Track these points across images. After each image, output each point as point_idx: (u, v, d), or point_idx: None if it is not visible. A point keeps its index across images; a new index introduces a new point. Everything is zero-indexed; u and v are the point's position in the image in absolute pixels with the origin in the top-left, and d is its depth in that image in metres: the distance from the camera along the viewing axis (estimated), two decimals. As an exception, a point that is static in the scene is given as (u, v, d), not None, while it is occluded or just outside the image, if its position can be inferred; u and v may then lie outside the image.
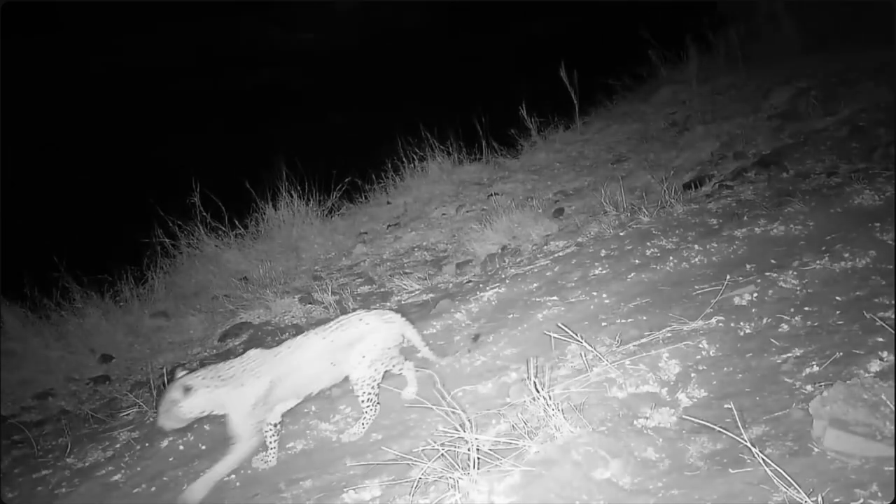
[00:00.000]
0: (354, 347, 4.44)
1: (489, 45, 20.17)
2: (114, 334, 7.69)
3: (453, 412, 3.71)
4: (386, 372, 4.60)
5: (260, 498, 4.09)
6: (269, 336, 6.97)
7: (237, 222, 9.31)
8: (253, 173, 9.43)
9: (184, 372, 4.28)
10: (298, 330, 6.89)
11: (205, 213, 8.99)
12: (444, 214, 9.44)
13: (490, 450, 3.44)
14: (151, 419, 5.53)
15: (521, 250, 7.28)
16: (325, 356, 4.39)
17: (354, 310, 4.75)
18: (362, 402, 4.49)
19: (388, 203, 10.47)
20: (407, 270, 7.88)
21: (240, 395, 4.20)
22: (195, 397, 4.13)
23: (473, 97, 11.32)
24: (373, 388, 4.48)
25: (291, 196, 9.62)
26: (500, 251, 7.48)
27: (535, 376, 3.75)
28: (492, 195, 9.47)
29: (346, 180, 9.97)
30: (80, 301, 8.03)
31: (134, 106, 16.65)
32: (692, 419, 3.52)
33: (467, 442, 3.45)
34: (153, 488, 4.51)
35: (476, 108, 10.56)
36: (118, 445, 5.23)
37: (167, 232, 8.98)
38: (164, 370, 6.33)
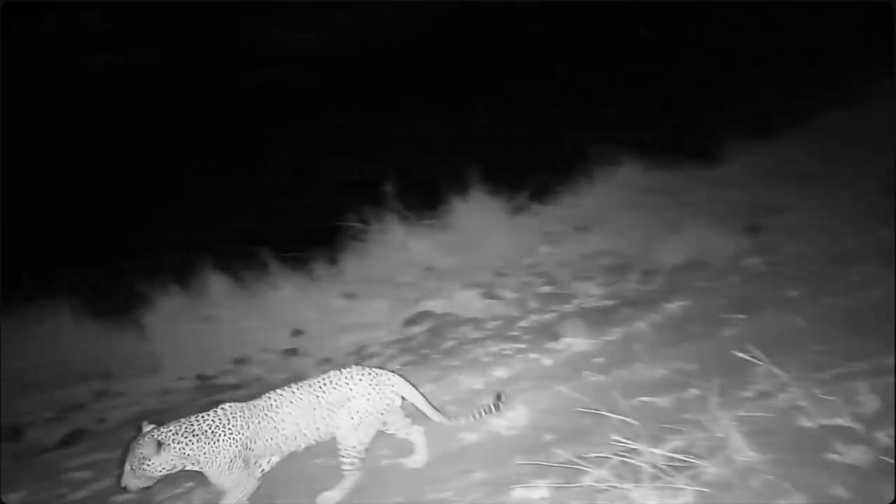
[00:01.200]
0: (343, 408, 4.07)
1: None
2: (305, 311, 8.09)
3: (629, 422, 3.67)
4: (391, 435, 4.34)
5: (429, 485, 4.18)
6: (449, 327, 7.11)
7: (428, 212, 9.54)
8: (446, 165, 9.63)
9: (151, 426, 4.00)
10: (478, 324, 7.01)
11: (398, 202, 9.28)
12: (631, 221, 9.27)
13: (664, 465, 3.38)
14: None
15: (710, 263, 7.05)
16: (310, 415, 4.04)
17: (346, 367, 4.23)
18: (344, 466, 4.14)
19: (578, 205, 10.40)
20: (590, 274, 7.82)
21: (213, 451, 3.90)
22: (166, 453, 3.85)
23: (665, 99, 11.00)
24: (358, 452, 4.12)
25: (482, 191, 9.74)
26: (687, 262, 7.28)
27: (718, 395, 3.65)
28: (684, 204, 9.21)
29: (537, 179, 9.99)
30: (278, 276, 8.49)
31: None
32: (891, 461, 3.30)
33: (641, 454, 3.40)
34: (332, 458, 4.70)
35: (667, 112, 10.27)
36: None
37: (361, 217, 9.34)
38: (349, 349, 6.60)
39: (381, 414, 4.16)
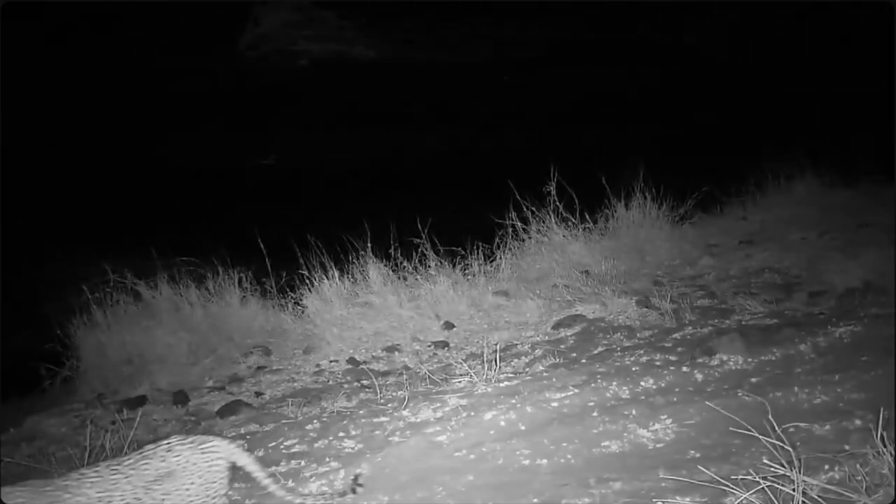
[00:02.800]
0: (161, 485, 3.58)
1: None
2: (458, 304, 8.19)
3: (782, 447, 3.50)
4: None
5: (568, 489, 4.15)
6: (600, 332, 7.02)
7: (587, 216, 9.45)
8: (610, 169, 9.51)
9: None
10: (630, 332, 6.88)
11: (558, 203, 9.24)
12: (803, 238, 8.85)
13: (817, 496, 3.20)
14: (479, 390, 5.84)
15: (888, 289, 6.61)
16: (120, 499, 3.50)
17: (162, 439, 3.78)
18: None
19: (744, 219, 10.03)
20: (753, 291, 7.51)
21: None
22: None
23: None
24: None
25: (645, 197, 9.57)
26: (862, 287, 6.86)
27: (884, 428, 3.41)
28: (862, 225, 8.69)
29: (703, 189, 9.70)
30: (434, 269, 8.63)
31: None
32: None
33: (793, 482, 3.24)
34: (472, 455, 4.74)
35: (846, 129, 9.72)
36: (447, 409, 5.57)
37: (520, 216, 9.35)
38: (497, 346, 6.62)
39: (214, 484, 3.77)
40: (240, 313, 8.31)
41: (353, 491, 4.21)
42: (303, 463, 4.97)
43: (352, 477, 4.38)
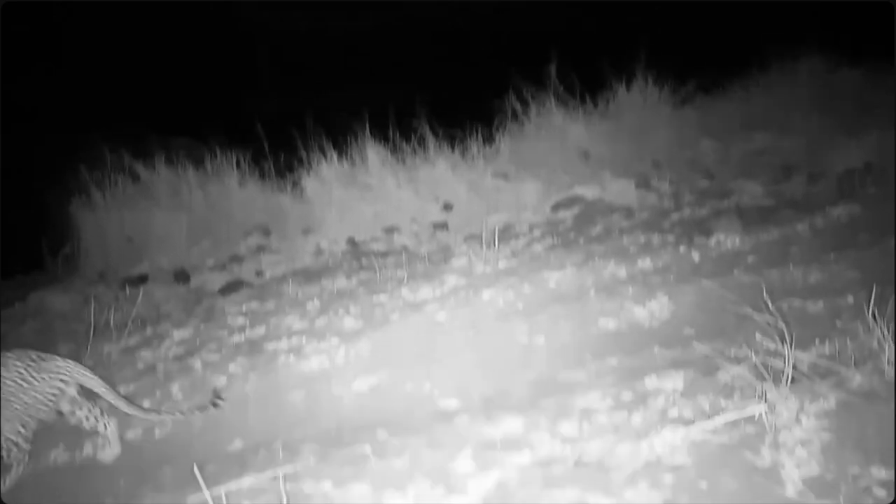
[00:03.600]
0: None
1: None
2: (457, 186, 8.17)
3: (775, 324, 3.57)
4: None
5: (565, 366, 4.22)
6: (599, 214, 7.05)
7: (588, 98, 9.32)
8: (612, 52, 9.31)
9: None
10: (628, 213, 6.91)
11: (558, 85, 9.09)
12: (805, 120, 8.75)
13: (807, 370, 3.29)
14: (478, 270, 5.91)
15: (888, 170, 6.58)
16: None
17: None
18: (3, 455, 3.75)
19: (746, 101, 9.89)
20: (753, 172, 7.49)
21: None
22: None
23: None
24: (14, 443, 3.73)
25: (646, 80, 9.40)
26: (862, 168, 6.85)
27: (875, 304, 3.47)
28: (866, 106, 8.58)
29: (705, 71, 9.52)
30: (433, 151, 8.57)
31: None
32: None
33: (784, 356, 3.31)
34: (471, 333, 4.83)
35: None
36: (446, 288, 5.65)
37: (520, 98, 9.22)
38: (496, 227, 6.65)
39: (45, 404, 3.81)
40: (238, 194, 8.30)
41: (214, 405, 4.21)
42: (304, 340, 5.07)
43: (212, 390, 4.38)
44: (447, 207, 7.91)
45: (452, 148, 8.68)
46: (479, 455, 3.23)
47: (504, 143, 9.04)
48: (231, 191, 8.32)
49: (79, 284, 7.23)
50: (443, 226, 7.56)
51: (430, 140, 8.61)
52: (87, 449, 4.08)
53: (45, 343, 5.69)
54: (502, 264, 6.00)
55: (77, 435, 4.12)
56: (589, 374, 4.10)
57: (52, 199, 7.89)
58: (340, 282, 6.26)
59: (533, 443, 3.29)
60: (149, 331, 5.73)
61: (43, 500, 3.71)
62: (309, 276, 6.64)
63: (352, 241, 7.44)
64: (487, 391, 4.03)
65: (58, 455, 4.06)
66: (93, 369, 4.04)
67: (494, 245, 6.26)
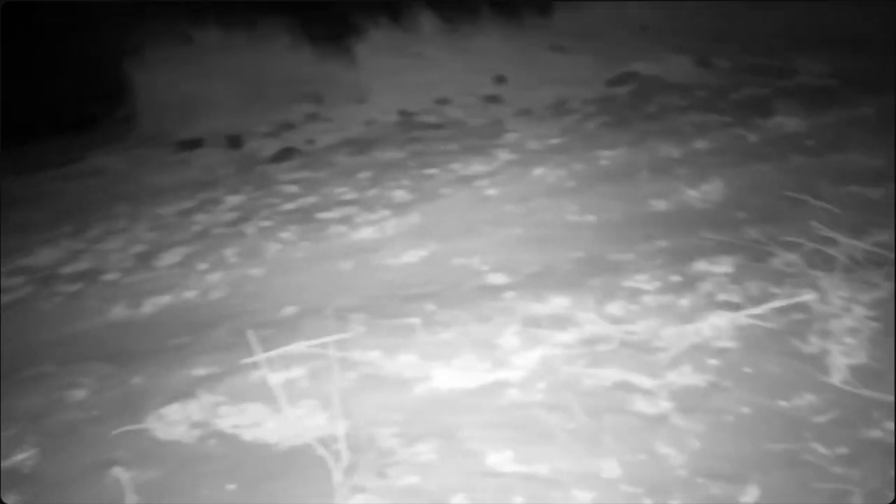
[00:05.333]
0: None
1: None
2: (511, 59, 8.01)
3: (831, 210, 3.51)
4: None
5: (613, 245, 4.22)
6: (654, 91, 6.88)
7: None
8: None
9: None
10: (685, 91, 6.74)
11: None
12: None
13: (862, 257, 3.25)
14: (530, 146, 5.86)
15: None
16: None
17: None
18: None
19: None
20: (817, 52, 7.20)
21: None
22: None
23: None
24: None
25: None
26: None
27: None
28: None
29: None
30: (488, 21, 8.36)
31: None
32: None
33: (838, 244, 3.28)
34: (520, 209, 4.83)
35: None
36: (497, 163, 5.63)
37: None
38: (549, 102, 6.54)
39: None
40: (290, 59, 8.22)
41: None
42: (355, 210, 5.12)
43: None
44: (500, 80, 7.77)
45: (506, 18, 8.45)
46: (524, 331, 3.28)
47: (559, 14, 8.77)
48: (283, 56, 8.24)
49: (134, 146, 7.31)
50: (495, 99, 7.45)
51: (484, 9, 8.39)
52: (147, 307, 4.23)
53: (102, 203, 5.84)
54: (554, 140, 5.92)
55: (136, 294, 4.29)
56: (637, 255, 4.08)
57: (108, 59, 7.88)
58: (391, 153, 6.26)
59: (579, 321, 3.33)
60: (203, 195, 5.82)
61: (102, 352, 3.87)
62: (360, 146, 6.64)
63: (403, 112, 7.38)
64: (535, 268, 4.05)
65: (118, 311, 4.23)
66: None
67: (547, 120, 6.18)
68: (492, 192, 5.11)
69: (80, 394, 3.30)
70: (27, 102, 7.27)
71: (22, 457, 2.87)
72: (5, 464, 2.85)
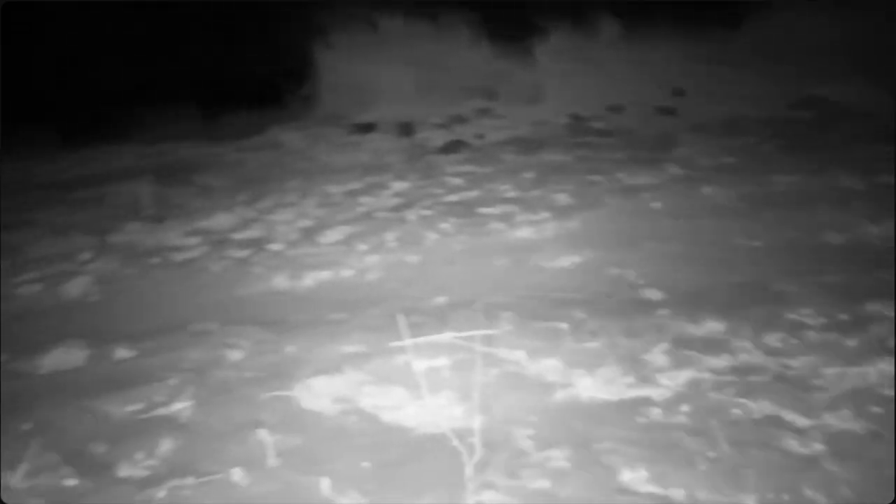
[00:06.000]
0: None
1: None
2: (691, 72, 7.81)
3: None
4: None
5: (776, 274, 4.03)
6: (840, 118, 6.53)
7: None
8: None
9: None
10: (876, 122, 6.35)
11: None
12: None
13: None
14: (701, 162, 5.69)
15: None
16: None
17: None
18: None
19: None
20: None
21: None
22: None
23: None
24: None
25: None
26: None
27: None
28: None
29: None
30: (669, 31, 8.17)
31: None
32: None
33: None
34: (683, 226, 4.68)
35: None
36: (665, 177, 5.50)
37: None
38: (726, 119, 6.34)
39: None
40: (468, 54, 8.33)
41: None
42: (516, 209, 5.13)
43: None
44: (677, 92, 7.59)
45: (689, 30, 8.24)
46: (674, 351, 3.20)
47: (747, 31, 8.46)
48: (461, 50, 8.36)
49: (312, 125, 7.62)
50: (669, 111, 7.29)
51: (667, 19, 8.20)
52: (307, 280, 4.41)
53: (277, 176, 6.12)
54: (726, 159, 5.74)
55: (299, 266, 4.48)
56: (804, 287, 3.88)
57: (295, 39, 8.24)
58: (558, 156, 6.24)
59: (733, 348, 3.21)
60: (370, 178, 5.99)
61: (261, 318, 4.05)
62: (527, 145, 6.66)
63: (574, 116, 7.34)
64: (692, 288, 3.93)
65: (280, 281, 4.43)
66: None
67: (721, 138, 5.99)
68: (656, 205, 5.01)
69: (237, 354, 3.48)
70: (222, 77, 7.76)
71: (180, 406, 3.07)
72: (165, 411, 3.05)
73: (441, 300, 4.00)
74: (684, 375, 3.02)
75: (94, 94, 7.48)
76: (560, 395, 2.95)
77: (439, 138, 7.06)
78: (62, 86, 7.64)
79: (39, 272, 4.72)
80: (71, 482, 2.62)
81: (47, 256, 4.96)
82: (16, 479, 2.63)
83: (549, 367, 3.17)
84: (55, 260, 4.88)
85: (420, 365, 3.02)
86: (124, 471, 2.70)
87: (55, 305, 4.33)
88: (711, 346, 3.24)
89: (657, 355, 3.18)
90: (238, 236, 5.09)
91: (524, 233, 4.77)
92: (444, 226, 4.94)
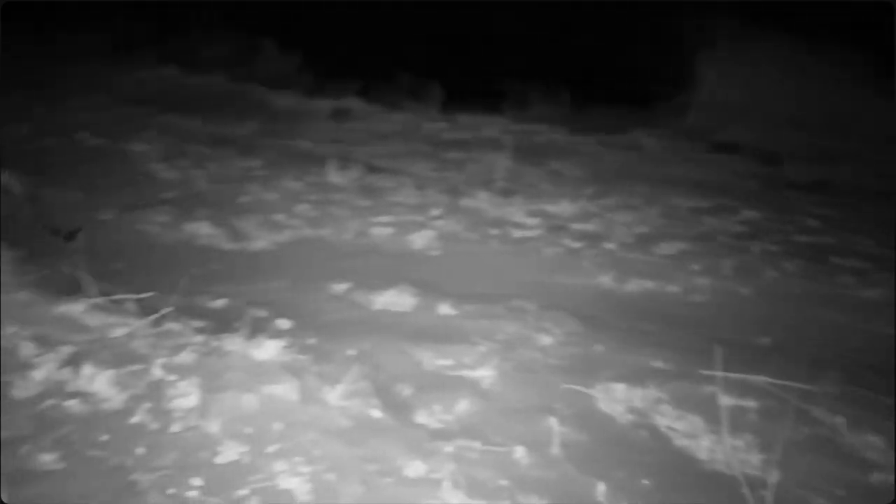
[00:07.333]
0: None
1: None
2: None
3: None
4: None
5: None
6: None
7: None
8: None
9: None
10: None
11: None
12: None
13: None
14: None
15: None
16: None
17: None
18: None
19: None
20: None
21: None
22: None
23: None
24: None
25: None
26: None
27: None
28: None
29: None
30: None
31: None
32: None
33: None
34: None
35: None
36: None
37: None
38: None
39: None
40: (851, 92, 7.63)
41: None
42: (870, 266, 4.70)
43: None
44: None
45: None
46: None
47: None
48: (844, 88, 7.69)
49: (675, 134, 7.43)
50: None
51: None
52: (630, 285, 4.40)
53: (628, 177, 6.13)
54: None
55: (626, 270, 4.48)
56: None
57: (680, 47, 8.10)
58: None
59: None
60: (720, 200, 5.78)
61: (580, 311, 4.10)
62: (902, 202, 6.02)
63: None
64: None
65: (605, 280, 4.46)
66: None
67: None
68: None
69: (547, 339, 3.61)
70: (599, 70, 7.91)
71: (484, 374, 3.27)
72: (470, 374, 3.24)
73: (765, 341, 3.83)
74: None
75: (483, 71, 8.03)
76: (876, 478, 2.70)
77: (804, 174, 6.58)
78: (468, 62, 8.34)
79: (395, 217, 5.17)
80: (376, 413, 2.87)
81: (405, 204, 5.41)
82: (333, 395, 2.94)
83: (869, 442, 2.91)
84: (411, 210, 5.31)
85: (727, 400, 2.91)
86: (421, 417, 2.92)
87: (399, 251, 4.73)
88: None
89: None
90: (576, 226, 5.18)
91: (874, 293, 4.35)
92: (788, 265, 4.66)
